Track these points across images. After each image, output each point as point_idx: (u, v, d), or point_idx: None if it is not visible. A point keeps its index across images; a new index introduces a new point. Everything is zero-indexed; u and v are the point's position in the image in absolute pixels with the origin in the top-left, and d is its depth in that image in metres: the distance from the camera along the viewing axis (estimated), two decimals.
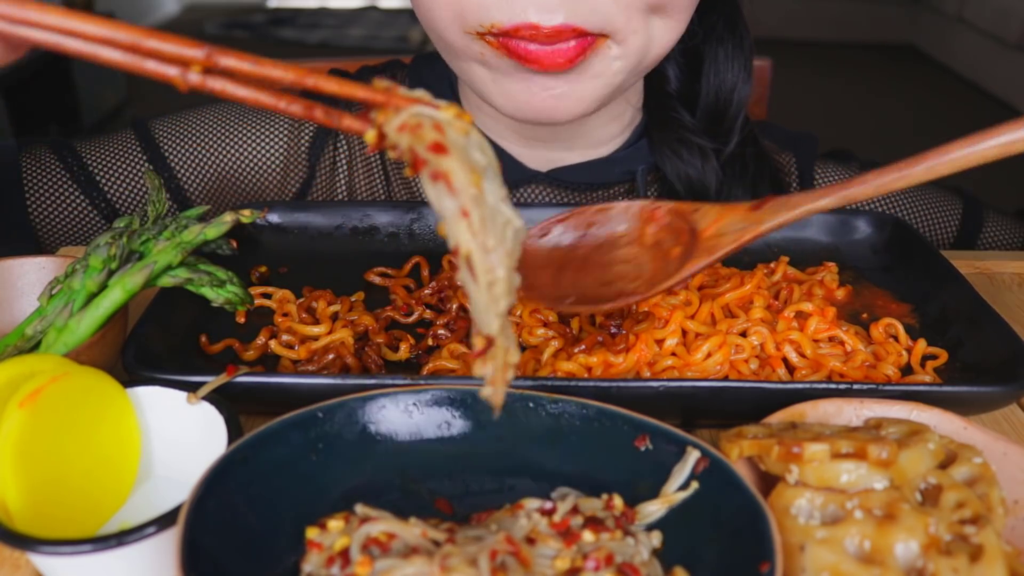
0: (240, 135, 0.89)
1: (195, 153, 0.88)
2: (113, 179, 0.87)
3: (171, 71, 0.39)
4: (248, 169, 0.89)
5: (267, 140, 0.89)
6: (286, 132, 0.89)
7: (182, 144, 0.89)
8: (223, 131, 0.89)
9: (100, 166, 0.87)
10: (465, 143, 0.39)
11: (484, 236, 0.38)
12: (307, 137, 0.89)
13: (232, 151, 0.89)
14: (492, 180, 0.40)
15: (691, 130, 0.84)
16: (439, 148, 0.38)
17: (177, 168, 0.88)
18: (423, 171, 0.39)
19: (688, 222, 0.52)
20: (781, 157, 0.94)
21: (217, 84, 0.39)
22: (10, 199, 0.83)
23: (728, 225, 0.50)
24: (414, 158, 0.39)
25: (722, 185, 0.86)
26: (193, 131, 0.89)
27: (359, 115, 0.41)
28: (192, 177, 0.88)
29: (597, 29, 0.65)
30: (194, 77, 0.39)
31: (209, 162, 0.88)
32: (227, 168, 0.89)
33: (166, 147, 0.88)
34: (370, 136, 0.41)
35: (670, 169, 0.85)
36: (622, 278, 0.54)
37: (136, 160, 0.87)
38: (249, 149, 0.89)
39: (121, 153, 0.87)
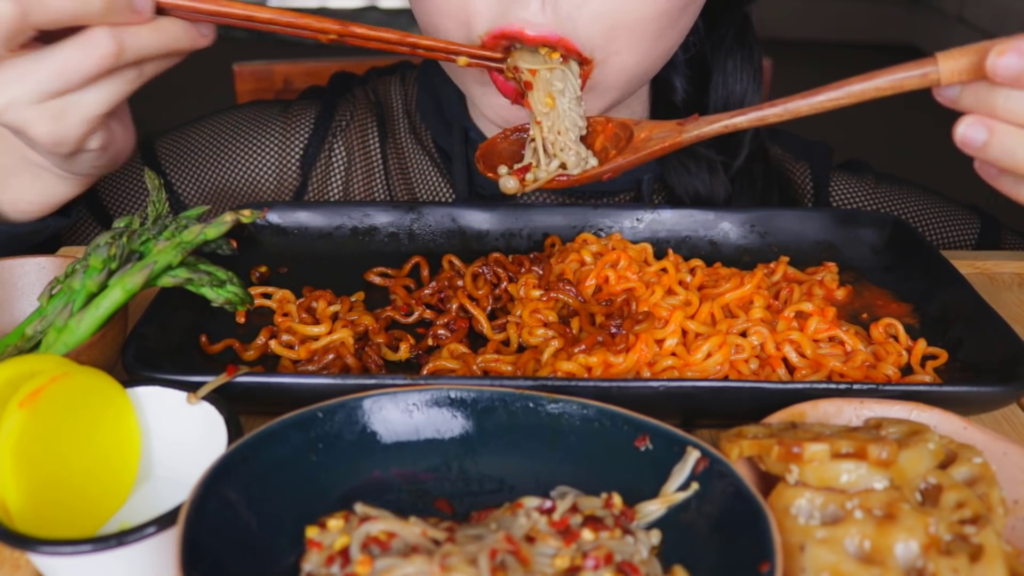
0: (233, 147, 0.91)
1: (192, 166, 0.90)
2: (113, 193, 0.88)
3: (316, 34, 0.60)
4: (242, 179, 0.90)
5: (259, 150, 0.90)
6: (277, 142, 0.91)
7: (180, 158, 0.90)
8: (217, 144, 0.91)
9: (102, 181, 0.87)
10: (549, 76, 0.64)
11: (552, 132, 0.63)
12: (299, 145, 0.91)
13: (226, 162, 0.90)
14: (566, 95, 0.64)
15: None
16: (528, 85, 0.65)
17: (176, 182, 0.89)
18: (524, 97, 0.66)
19: (628, 132, 0.63)
20: (795, 167, 0.93)
21: (351, 40, 0.61)
22: None
23: (657, 133, 0.61)
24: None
25: (730, 199, 0.85)
26: (190, 146, 0.91)
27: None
28: (190, 190, 0.89)
29: (578, 47, 0.65)
30: (331, 36, 0.60)
31: (205, 175, 0.90)
32: (222, 179, 0.90)
33: (165, 163, 0.90)
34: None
35: (677, 183, 0.84)
36: None
37: (136, 173, 0.89)
38: (242, 160, 0.90)
39: (123, 169, 0.88)
